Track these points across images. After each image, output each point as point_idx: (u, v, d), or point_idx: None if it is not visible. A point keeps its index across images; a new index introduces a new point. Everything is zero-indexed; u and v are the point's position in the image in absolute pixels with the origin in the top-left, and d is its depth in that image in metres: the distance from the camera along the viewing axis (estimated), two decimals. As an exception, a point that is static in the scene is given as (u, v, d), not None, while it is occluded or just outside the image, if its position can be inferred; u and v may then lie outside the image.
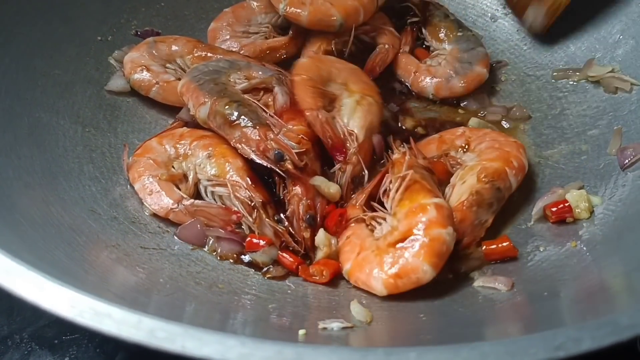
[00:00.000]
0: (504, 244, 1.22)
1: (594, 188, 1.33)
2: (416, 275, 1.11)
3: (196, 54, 1.52)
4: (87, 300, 0.74)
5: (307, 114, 1.30)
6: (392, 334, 1.06)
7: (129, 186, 1.33)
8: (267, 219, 1.20)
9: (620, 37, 1.52)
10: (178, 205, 1.25)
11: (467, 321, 1.05)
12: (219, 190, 1.26)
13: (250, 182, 1.23)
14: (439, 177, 1.28)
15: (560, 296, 1.06)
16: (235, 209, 1.23)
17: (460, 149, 1.38)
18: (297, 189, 1.24)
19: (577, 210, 1.26)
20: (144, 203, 1.29)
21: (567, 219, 1.26)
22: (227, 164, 1.27)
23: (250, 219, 1.20)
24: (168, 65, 1.53)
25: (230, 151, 1.29)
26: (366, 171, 1.28)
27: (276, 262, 1.20)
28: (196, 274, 1.17)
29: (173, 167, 1.33)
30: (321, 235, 1.20)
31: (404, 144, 1.32)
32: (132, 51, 1.54)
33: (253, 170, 1.27)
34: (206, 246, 1.23)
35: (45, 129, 1.34)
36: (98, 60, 1.55)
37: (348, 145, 1.28)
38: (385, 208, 1.21)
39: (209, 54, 1.51)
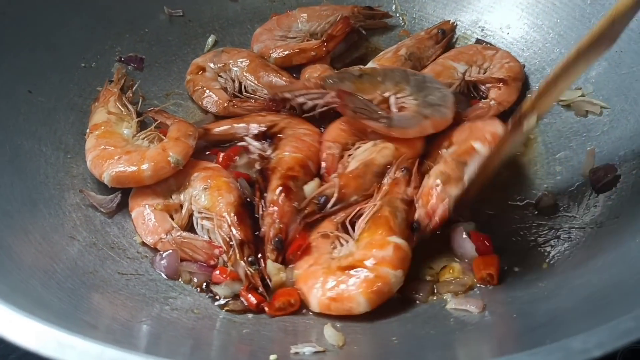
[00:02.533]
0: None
1: (568, 209, 1.34)
2: (350, 304, 1.14)
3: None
4: (51, 332, 0.76)
5: (324, 143, 1.38)
6: (363, 358, 1.07)
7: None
8: (240, 260, 1.21)
9: (594, 59, 1.55)
10: (167, 235, 1.28)
11: (438, 344, 1.07)
12: (206, 223, 1.28)
13: (234, 219, 1.25)
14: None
15: (528, 318, 1.07)
16: (218, 243, 1.25)
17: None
18: (274, 209, 1.26)
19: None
20: (137, 231, 1.31)
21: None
22: (219, 197, 1.28)
23: (224, 257, 1.23)
24: (221, 74, 1.63)
25: (227, 185, 1.31)
26: (335, 198, 1.28)
27: (237, 296, 1.21)
28: (172, 300, 1.18)
29: (172, 197, 1.35)
30: (269, 265, 1.22)
31: (404, 170, 1.31)
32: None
33: (244, 206, 1.29)
34: (180, 278, 1.25)
35: (26, 156, 1.36)
36: (81, 87, 1.57)
37: (337, 172, 1.33)
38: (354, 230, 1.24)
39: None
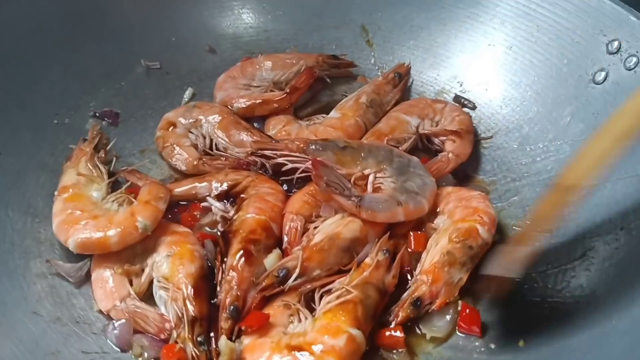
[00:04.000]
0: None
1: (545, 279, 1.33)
2: None
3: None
4: None
5: (286, 214, 1.36)
6: None
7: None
8: (189, 338, 1.17)
9: (570, 119, 1.55)
10: (121, 303, 1.24)
11: None
12: (162, 293, 1.24)
13: (191, 293, 1.22)
14: (419, 251, 1.32)
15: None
16: (170, 316, 1.22)
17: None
18: (233, 275, 1.24)
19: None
20: (93, 296, 1.27)
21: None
22: (180, 266, 1.25)
23: (175, 331, 1.19)
24: (192, 130, 1.60)
25: (191, 254, 1.28)
26: (297, 272, 1.25)
27: None
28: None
29: (135, 260, 1.31)
30: (222, 342, 1.17)
31: (386, 252, 1.28)
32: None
33: (204, 279, 1.26)
34: (131, 350, 1.21)
35: (-8, 223, 1.33)
36: (53, 145, 1.55)
37: (301, 245, 1.30)
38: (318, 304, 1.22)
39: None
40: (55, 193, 1.40)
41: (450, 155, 1.56)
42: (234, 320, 1.20)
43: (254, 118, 1.66)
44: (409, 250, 1.35)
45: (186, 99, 1.75)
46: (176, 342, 1.18)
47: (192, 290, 1.22)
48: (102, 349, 1.20)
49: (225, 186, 1.45)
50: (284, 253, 1.32)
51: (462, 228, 1.32)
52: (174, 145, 1.58)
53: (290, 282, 1.22)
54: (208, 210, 1.43)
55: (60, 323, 1.21)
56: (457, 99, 1.75)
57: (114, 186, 1.46)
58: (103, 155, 1.51)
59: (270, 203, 1.39)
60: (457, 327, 1.26)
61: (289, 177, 1.45)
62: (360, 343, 1.16)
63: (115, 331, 1.21)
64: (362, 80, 1.81)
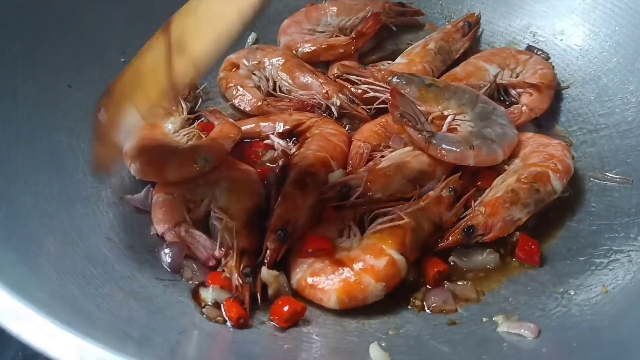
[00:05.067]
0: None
1: (627, 228, 1.27)
2: (322, 296, 1.14)
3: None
4: (94, 350, 0.72)
5: (354, 141, 1.37)
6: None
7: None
8: (235, 267, 1.16)
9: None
10: (175, 227, 1.24)
11: (492, 371, 1.01)
12: (216, 223, 1.24)
13: (242, 226, 1.21)
14: (485, 187, 1.30)
15: (591, 349, 1.00)
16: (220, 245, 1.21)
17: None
18: (286, 201, 1.23)
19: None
20: (151, 218, 1.28)
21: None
22: (237, 201, 1.26)
23: (223, 260, 1.19)
24: (255, 72, 1.59)
25: (250, 190, 1.28)
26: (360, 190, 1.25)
27: (217, 304, 1.15)
28: (210, 307, 1.14)
29: (196, 190, 1.31)
30: (264, 273, 1.16)
31: (452, 190, 1.27)
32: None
33: (258, 215, 1.25)
34: (182, 275, 1.20)
35: (65, 153, 1.33)
36: (120, 82, 1.54)
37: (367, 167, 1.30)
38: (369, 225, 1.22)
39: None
40: None
41: (524, 108, 1.51)
42: (280, 242, 1.18)
43: (318, 63, 1.63)
44: (476, 187, 1.33)
45: (249, 44, 1.73)
46: (223, 271, 1.18)
47: (246, 223, 1.22)
48: (174, 277, 1.19)
49: (289, 126, 1.44)
50: (349, 174, 1.31)
51: (534, 171, 1.29)
52: (238, 86, 1.57)
53: (352, 198, 1.22)
54: (271, 147, 1.44)
55: (133, 250, 1.22)
56: (530, 49, 1.68)
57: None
58: (186, 93, 1.52)
59: (332, 142, 1.38)
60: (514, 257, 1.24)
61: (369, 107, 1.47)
62: (400, 268, 1.15)
63: (168, 254, 1.20)
64: (431, 27, 1.76)
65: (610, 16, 1.59)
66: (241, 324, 1.10)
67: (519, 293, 1.20)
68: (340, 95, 1.50)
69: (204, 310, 1.13)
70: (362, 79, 1.48)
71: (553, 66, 1.61)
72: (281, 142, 1.43)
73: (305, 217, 1.23)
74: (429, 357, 1.06)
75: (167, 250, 1.21)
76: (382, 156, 1.34)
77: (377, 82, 1.46)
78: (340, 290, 1.13)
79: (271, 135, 1.45)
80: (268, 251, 1.18)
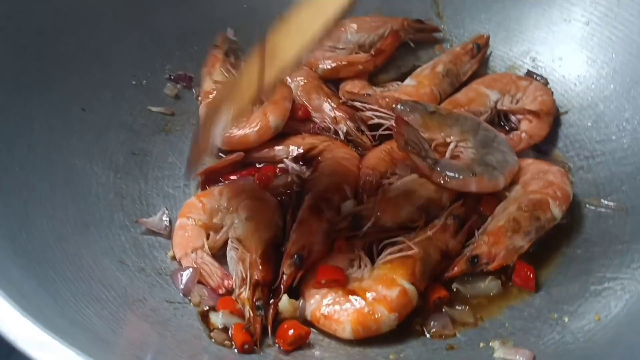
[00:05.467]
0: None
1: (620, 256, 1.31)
2: (336, 326, 1.17)
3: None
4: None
5: (363, 169, 1.40)
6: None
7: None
8: (248, 299, 1.18)
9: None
10: (192, 253, 1.29)
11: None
12: (232, 253, 1.27)
13: (258, 257, 1.23)
14: (487, 214, 1.34)
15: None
16: (234, 276, 1.24)
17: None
18: (301, 227, 1.27)
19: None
20: (172, 242, 1.32)
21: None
22: (255, 232, 1.28)
23: (237, 291, 1.21)
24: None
25: (268, 221, 1.30)
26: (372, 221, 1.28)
27: (226, 328, 1.18)
28: (218, 331, 1.19)
29: (217, 216, 1.35)
30: (284, 302, 1.20)
31: (456, 218, 1.31)
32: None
33: (275, 248, 1.27)
34: (190, 299, 1.24)
35: (79, 176, 1.38)
36: (132, 105, 1.58)
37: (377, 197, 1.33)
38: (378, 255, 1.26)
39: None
40: (199, 97, 1.56)
41: (524, 135, 1.54)
42: (296, 268, 1.22)
43: (335, 80, 1.68)
44: (478, 213, 1.37)
45: (258, 65, 1.77)
46: (235, 301, 1.21)
47: (261, 255, 1.23)
48: (184, 300, 1.24)
49: (301, 149, 1.48)
50: (360, 203, 1.34)
51: (534, 199, 1.33)
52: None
53: (364, 229, 1.25)
54: (284, 171, 1.47)
55: (144, 273, 1.26)
56: (529, 74, 1.72)
57: None
58: (233, 60, 1.59)
59: (345, 167, 1.42)
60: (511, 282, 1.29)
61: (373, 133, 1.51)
62: (412, 298, 1.19)
63: (182, 278, 1.25)
64: (440, 49, 1.80)
65: (608, 44, 1.63)
66: (246, 349, 1.14)
67: (515, 318, 1.24)
68: (349, 122, 1.54)
69: (212, 334, 1.17)
70: (367, 106, 1.53)
71: (552, 92, 1.65)
72: (295, 166, 1.47)
73: (320, 242, 1.27)
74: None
75: (182, 274, 1.25)
76: (390, 183, 1.37)
77: (381, 110, 1.50)
78: (354, 321, 1.16)
79: (285, 160, 1.48)
80: (284, 276, 1.22)
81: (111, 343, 1.00)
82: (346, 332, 1.16)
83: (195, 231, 1.32)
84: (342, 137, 1.53)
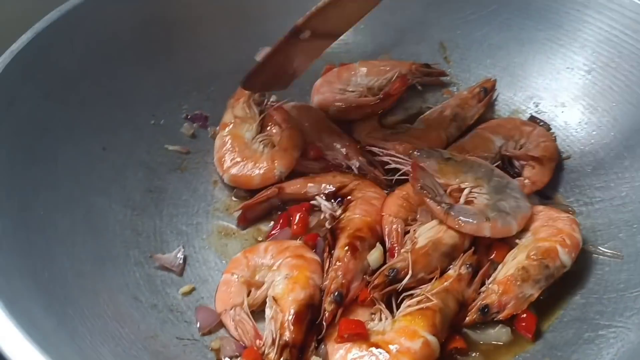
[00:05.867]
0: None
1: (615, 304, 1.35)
2: None
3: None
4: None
5: (385, 216, 1.43)
6: None
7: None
8: (274, 359, 1.20)
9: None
10: (231, 309, 1.32)
11: None
12: (267, 311, 1.29)
13: (291, 318, 1.24)
14: (498, 261, 1.37)
15: None
16: (265, 334, 1.28)
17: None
18: (339, 265, 1.33)
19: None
20: (215, 296, 1.38)
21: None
22: (291, 291, 1.28)
23: (265, 349, 1.24)
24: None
25: (305, 281, 1.30)
26: (410, 274, 1.31)
27: None
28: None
29: (260, 273, 1.38)
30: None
31: (470, 267, 1.34)
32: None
33: (309, 308, 1.27)
34: (211, 340, 1.29)
35: (98, 213, 1.45)
36: (150, 144, 1.66)
37: (406, 248, 1.37)
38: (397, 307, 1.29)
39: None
40: (217, 128, 1.68)
41: (527, 181, 1.58)
42: (337, 304, 1.26)
43: (344, 121, 1.76)
44: (489, 259, 1.41)
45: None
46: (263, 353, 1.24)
47: (294, 315, 1.24)
48: (193, 337, 1.30)
49: (333, 188, 1.55)
50: (389, 252, 1.39)
51: (543, 247, 1.36)
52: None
53: (405, 281, 1.29)
54: (315, 209, 1.54)
55: (156, 309, 1.32)
56: (532, 119, 1.77)
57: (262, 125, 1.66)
58: (257, 96, 1.68)
59: (376, 207, 1.48)
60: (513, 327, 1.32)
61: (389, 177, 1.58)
62: (434, 349, 1.22)
63: (203, 314, 1.32)
64: (447, 93, 1.86)
65: (609, 92, 1.68)
66: None
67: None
68: (360, 158, 1.61)
69: None
70: (384, 151, 1.59)
71: (555, 138, 1.69)
72: (328, 204, 1.53)
73: (357, 280, 1.32)
74: None
75: (204, 312, 1.32)
76: (414, 230, 1.41)
77: (398, 155, 1.56)
78: None
79: (318, 198, 1.55)
80: (325, 313, 1.27)
81: (124, 380, 1.05)
82: None
83: (237, 287, 1.36)
84: (355, 171, 1.60)
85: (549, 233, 1.41)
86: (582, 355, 1.26)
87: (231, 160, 1.59)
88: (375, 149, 1.63)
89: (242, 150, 1.60)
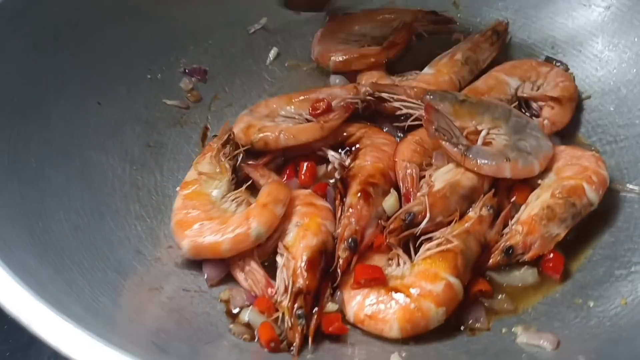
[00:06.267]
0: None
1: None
2: (383, 326, 1.13)
3: (295, 101, 1.54)
4: (130, 362, 0.76)
5: (398, 162, 1.36)
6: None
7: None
8: (288, 307, 1.15)
9: None
10: (241, 260, 1.26)
11: (510, 382, 1.03)
12: (279, 259, 1.24)
13: (304, 264, 1.18)
14: (520, 203, 1.30)
15: (608, 359, 1.02)
16: (277, 283, 1.22)
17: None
18: (352, 212, 1.26)
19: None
20: None
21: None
22: (303, 239, 1.23)
23: (277, 297, 1.19)
24: (276, 119, 1.52)
25: (317, 228, 1.25)
26: (427, 217, 1.25)
27: (248, 325, 1.17)
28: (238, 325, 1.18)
29: None
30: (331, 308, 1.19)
31: (491, 208, 1.28)
32: (236, 124, 1.52)
33: (322, 254, 1.22)
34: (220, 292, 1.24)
35: (95, 168, 1.38)
36: (147, 98, 1.58)
37: (423, 192, 1.30)
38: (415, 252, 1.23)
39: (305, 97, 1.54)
40: (177, 189, 1.38)
41: (546, 122, 1.51)
42: (351, 251, 1.21)
43: (347, 73, 1.66)
44: (511, 202, 1.33)
45: (271, 59, 1.76)
46: (276, 309, 1.18)
47: (306, 262, 1.18)
48: (200, 288, 1.24)
49: (339, 138, 1.47)
50: (404, 198, 1.32)
51: (568, 185, 1.29)
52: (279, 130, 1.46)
53: (422, 225, 1.23)
54: (323, 160, 1.46)
55: (160, 262, 1.26)
56: (548, 60, 1.69)
57: (239, 183, 1.39)
58: (229, 150, 1.41)
59: (386, 152, 1.40)
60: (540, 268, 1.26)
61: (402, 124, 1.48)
62: (457, 291, 1.16)
63: (211, 266, 1.25)
64: (457, 37, 1.76)
65: (629, 27, 1.60)
66: (271, 347, 1.12)
67: (538, 304, 1.22)
68: (367, 87, 1.52)
69: (231, 325, 1.16)
70: (395, 97, 1.49)
71: (574, 78, 1.61)
72: (335, 154, 1.46)
73: (372, 227, 1.26)
74: (449, 367, 1.08)
75: (211, 264, 1.26)
76: (430, 175, 1.34)
77: (410, 99, 1.46)
78: (401, 318, 1.12)
79: (324, 148, 1.47)
80: (340, 260, 1.21)
81: (127, 329, 1.00)
82: (394, 330, 1.12)
83: None
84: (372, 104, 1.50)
85: (574, 171, 1.33)
86: (615, 293, 1.20)
87: (192, 224, 1.25)
88: (384, 95, 1.52)
89: (207, 210, 1.28)
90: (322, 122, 1.45)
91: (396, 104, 1.49)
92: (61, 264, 1.07)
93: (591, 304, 1.19)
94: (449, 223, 1.27)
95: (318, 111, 1.48)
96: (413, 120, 1.46)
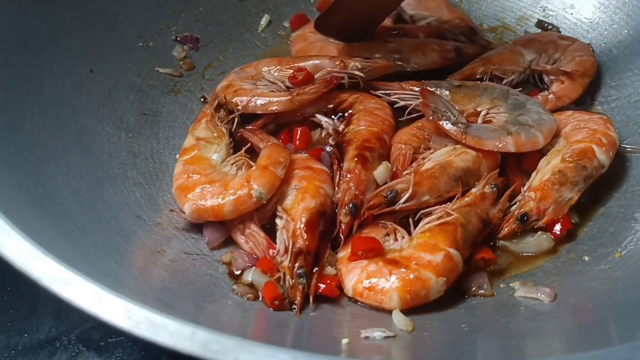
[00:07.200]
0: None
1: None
2: (382, 297, 1.12)
3: (283, 67, 1.52)
4: (143, 312, 0.76)
5: (394, 144, 1.35)
6: (435, 345, 1.06)
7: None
8: (289, 267, 1.15)
9: None
10: (240, 223, 1.26)
11: (510, 334, 1.05)
12: (278, 222, 1.24)
13: (303, 226, 1.19)
14: (530, 170, 1.31)
15: (605, 309, 1.04)
16: (278, 244, 1.22)
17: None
18: (350, 176, 1.26)
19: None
20: None
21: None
22: (302, 201, 1.23)
23: (278, 258, 1.19)
24: (257, 83, 1.50)
25: (315, 190, 1.24)
26: (409, 194, 1.23)
27: (252, 285, 1.17)
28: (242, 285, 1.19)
29: None
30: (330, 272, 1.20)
31: (495, 186, 1.26)
32: (223, 81, 1.52)
33: (321, 216, 1.22)
34: (222, 255, 1.24)
35: (90, 135, 1.37)
36: (140, 66, 1.57)
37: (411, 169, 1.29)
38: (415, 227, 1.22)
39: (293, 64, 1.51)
40: (177, 156, 1.38)
41: (551, 96, 1.48)
42: (352, 216, 1.21)
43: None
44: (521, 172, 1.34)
45: (262, 26, 1.75)
46: (278, 270, 1.19)
47: (306, 223, 1.19)
48: (201, 252, 1.24)
49: (331, 104, 1.45)
50: (393, 176, 1.29)
51: (578, 148, 1.29)
52: (255, 97, 1.44)
53: (400, 203, 1.21)
54: (316, 125, 1.45)
55: (161, 227, 1.26)
56: (540, 23, 1.70)
57: (237, 146, 1.38)
58: (224, 114, 1.41)
59: (380, 117, 1.40)
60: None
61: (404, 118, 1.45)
62: (457, 262, 1.14)
63: (211, 230, 1.26)
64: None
65: (620, -13, 1.60)
66: (275, 305, 1.12)
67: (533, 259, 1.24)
68: (355, 60, 1.48)
69: (234, 286, 1.17)
70: (392, 91, 1.46)
71: (594, 52, 1.58)
72: (328, 120, 1.44)
73: (370, 191, 1.25)
74: (449, 321, 1.10)
75: (211, 228, 1.25)
76: (424, 157, 1.32)
77: (406, 91, 1.44)
78: (401, 288, 1.10)
79: (317, 115, 1.45)
80: (342, 225, 1.21)
81: (133, 287, 1.00)
82: (394, 301, 1.10)
83: None
84: (360, 80, 1.47)
85: (583, 135, 1.33)
86: (609, 247, 1.23)
87: (194, 188, 1.25)
88: (379, 93, 1.47)
89: (208, 174, 1.28)
90: (294, 95, 1.41)
91: (394, 97, 1.46)
92: (63, 225, 1.07)
93: (586, 258, 1.22)
94: (438, 203, 1.25)
95: (296, 81, 1.46)
96: (411, 112, 1.43)
